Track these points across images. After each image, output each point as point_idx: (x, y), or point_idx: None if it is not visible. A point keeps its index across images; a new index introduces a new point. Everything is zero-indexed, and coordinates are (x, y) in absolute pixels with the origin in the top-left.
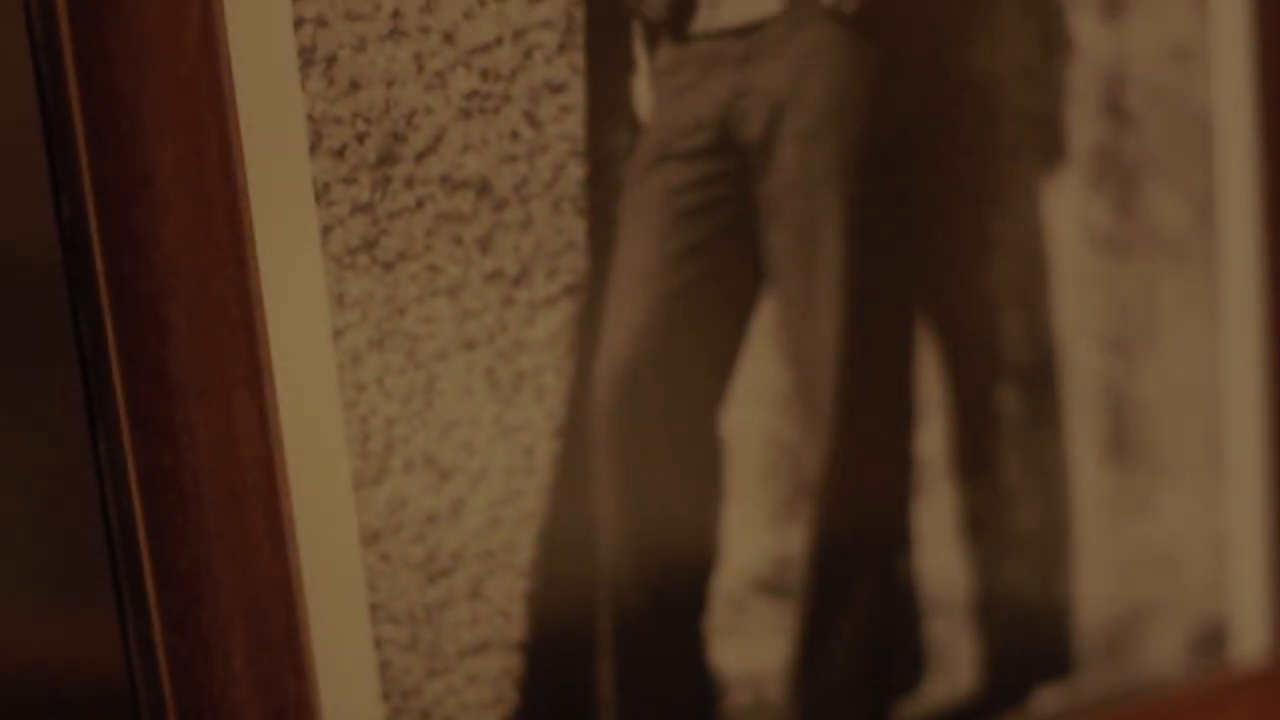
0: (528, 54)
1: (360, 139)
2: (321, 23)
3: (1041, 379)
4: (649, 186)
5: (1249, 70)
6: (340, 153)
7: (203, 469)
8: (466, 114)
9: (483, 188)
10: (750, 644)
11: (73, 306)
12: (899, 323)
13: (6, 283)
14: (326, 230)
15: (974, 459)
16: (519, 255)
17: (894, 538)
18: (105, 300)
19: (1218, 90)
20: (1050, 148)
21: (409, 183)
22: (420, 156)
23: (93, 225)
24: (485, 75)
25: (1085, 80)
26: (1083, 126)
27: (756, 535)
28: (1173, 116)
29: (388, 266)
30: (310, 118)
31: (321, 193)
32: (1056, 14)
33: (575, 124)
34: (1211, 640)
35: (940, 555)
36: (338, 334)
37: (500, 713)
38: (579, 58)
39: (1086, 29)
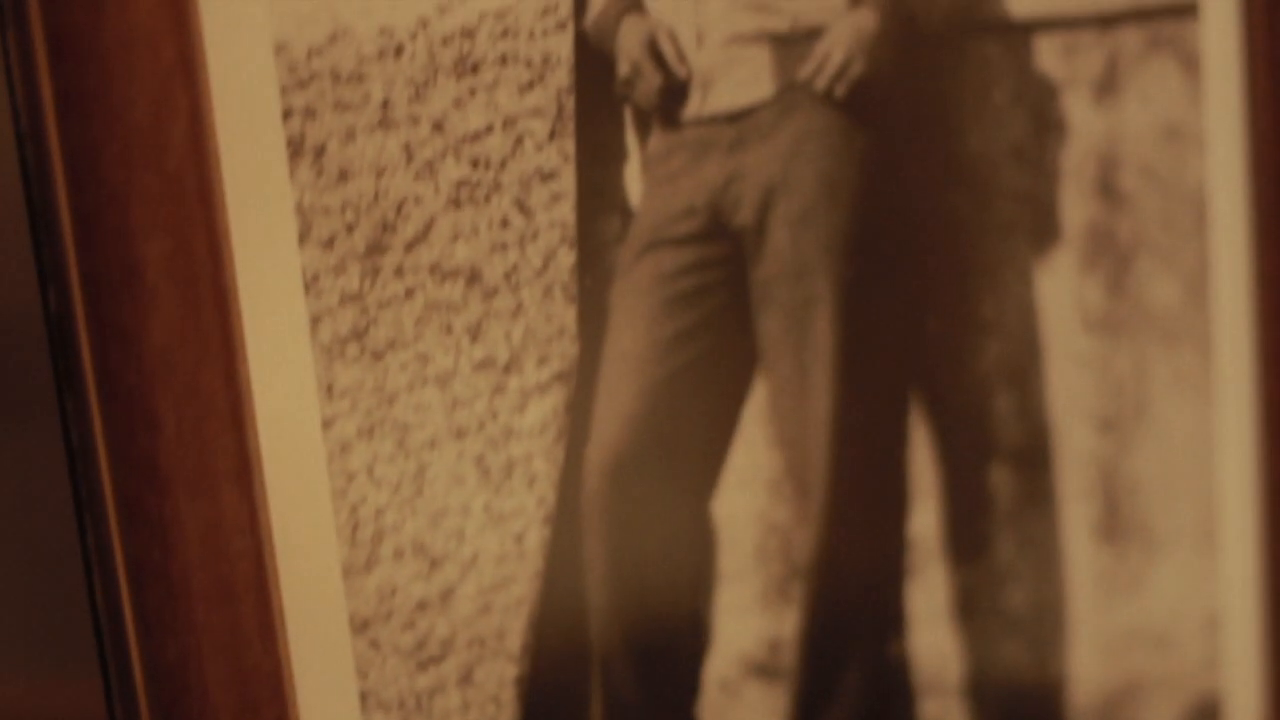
0: (518, 142)
1: (349, 229)
2: (310, 114)
3: (1034, 459)
4: (640, 272)
5: (1242, 148)
6: (329, 243)
7: (191, 562)
8: (456, 203)
9: (473, 276)
10: None
11: (60, 399)
12: (891, 405)
13: None
14: (316, 320)
15: (967, 540)
16: (509, 343)
17: (887, 619)
18: (93, 393)
19: (1211, 169)
20: (1043, 229)
21: (399, 272)
22: (410, 245)
23: (80, 318)
24: (475, 163)
25: (1078, 161)
26: (1075, 207)
27: (748, 618)
28: (1166, 196)
29: (377, 356)
30: (299, 208)
31: (310, 283)
32: (1049, 96)
33: (566, 211)
34: (1206, 717)
35: (933, 636)
36: (327, 424)
37: None
38: (570, 145)
39: (1079, 110)
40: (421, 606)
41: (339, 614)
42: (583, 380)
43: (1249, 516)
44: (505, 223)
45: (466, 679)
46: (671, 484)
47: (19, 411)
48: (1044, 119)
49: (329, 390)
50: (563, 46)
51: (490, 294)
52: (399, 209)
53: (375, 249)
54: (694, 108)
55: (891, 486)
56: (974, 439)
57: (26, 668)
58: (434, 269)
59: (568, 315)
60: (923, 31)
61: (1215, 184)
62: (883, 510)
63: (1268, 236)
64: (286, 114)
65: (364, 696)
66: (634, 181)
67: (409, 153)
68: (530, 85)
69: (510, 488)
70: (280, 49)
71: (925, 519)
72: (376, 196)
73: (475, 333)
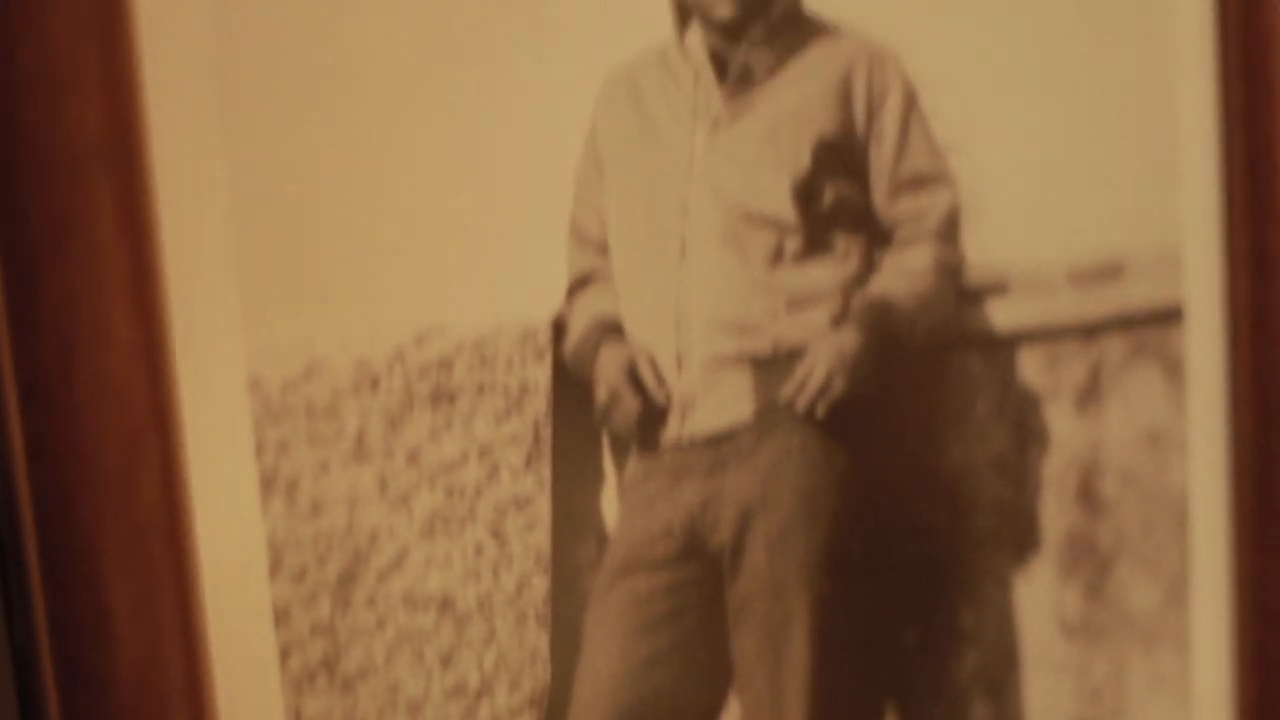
0: (494, 470)
1: (321, 561)
2: (284, 449)
3: None
4: (615, 596)
5: (1224, 451)
6: (301, 575)
7: None
8: (430, 532)
9: (445, 604)
10: None
11: None
12: (867, 718)
13: None
14: (285, 651)
15: None
16: (481, 669)
17: None
18: None
19: (1192, 473)
20: (1023, 538)
21: (370, 602)
22: (382, 576)
23: (46, 660)
24: (450, 493)
25: (1059, 470)
26: (1056, 515)
27: None
28: (1146, 501)
29: (347, 685)
30: (271, 542)
31: (281, 616)
32: (1032, 407)
33: (541, 537)
34: None
35: None
36: None
37: None
38: (546, 472)
39: (1061, 419)
40: None
41: None
42: (555, 705)
43: None
44: (479, 550)
45: None
46: None
47: None
48: (1026, 430)
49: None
50: (541, 374)
51: (463, 621)
52: (372, 540)
53: (347, 580)
54: (673, 432)
55: None
56: None
57: None
58: (406, 598)
59: (541, 641)
60: (906, 348)
61: (1196, 488)
62: None
63: (1248, 539)
64: (260, 449)
65: None
66: (611, 505)
67: (383, 484)
68: (507, 414)
69: None
70: (255, 384)
71: None
72: (350, 528)
73: (447, 660)
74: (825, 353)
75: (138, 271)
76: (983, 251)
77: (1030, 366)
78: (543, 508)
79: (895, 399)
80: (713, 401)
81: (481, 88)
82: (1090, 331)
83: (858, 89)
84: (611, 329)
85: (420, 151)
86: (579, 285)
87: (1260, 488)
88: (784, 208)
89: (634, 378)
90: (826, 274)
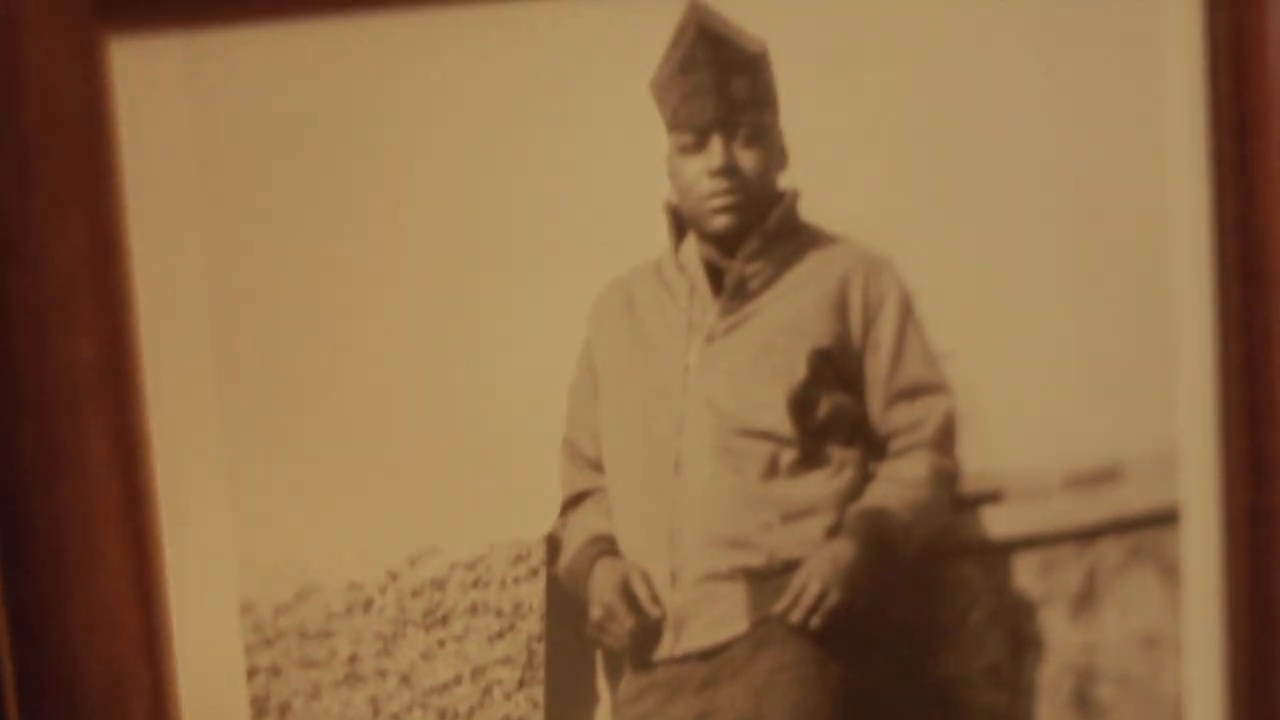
0: (487, 692)
1: None
2: (275, 672)
3: None
4: None
5: (1220, 654)
6: None
7: None
8: None
9: None
10: None
11: None
12: None
13: None
14: None
15: None
16: None
17: None
18: None
19: (1188, 676)
20: None
21: None
22: None
23: None
24: (443, 715)
25: (1054, 676)
26: None
27: None
28: (1142, 705)
29: None
30: None
31: None
32: (1026, 614)
33: None
34: None
35: None
36: None
37: None
38: (539, 692)
39: (1056, 626)
40: None
41: None
42: None
43: None
44: None
45: None
46: None
47: None
48: (1021, 637)
49: None
50: (534, 594)
51: None
52: None
53: None
54: (667, 648)
55: None
56: None
57: None
58: None
59: None
60: (901, 558)
61: (1192, 691)
62: None
63: None
64: (251, 673)
65: None
66: None
67: (375, 707)
68: (500, 634)
69: None
70: (246, 608)
71: None
72: None
73: None
74: (820, 565)
75: (130, 501)
76: (979, 458)
77: (1025, 573)
78: None
79: (890, 609)
80: (707, 617)
81: (474, 311)
82: (1086, 536)
83: (854, 299)
84: (605, 546)
85: (412, 376)
86: (573, 503)
87: (1257, 691)
88: (779, 421)
89: (628, 595)
90: (821, 486)
